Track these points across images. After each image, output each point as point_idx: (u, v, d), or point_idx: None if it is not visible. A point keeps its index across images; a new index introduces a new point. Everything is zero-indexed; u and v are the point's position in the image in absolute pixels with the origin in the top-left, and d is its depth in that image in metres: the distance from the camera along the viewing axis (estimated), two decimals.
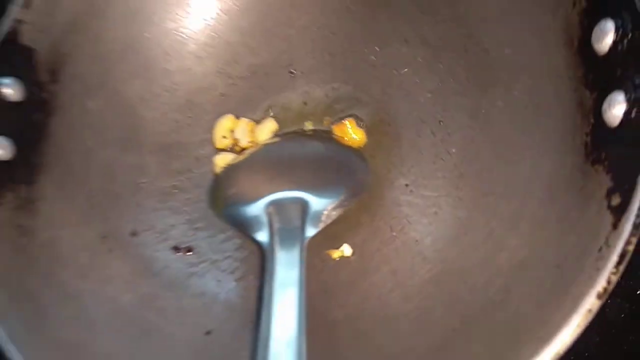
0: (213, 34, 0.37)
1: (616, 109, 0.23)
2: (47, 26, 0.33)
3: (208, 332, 0.30)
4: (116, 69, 0.35)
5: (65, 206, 0.32)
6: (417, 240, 0.31)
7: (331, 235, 0.32)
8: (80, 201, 0.33)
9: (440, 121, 0.33)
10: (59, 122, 0.33)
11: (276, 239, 0.28)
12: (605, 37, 0.24)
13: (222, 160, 0.35)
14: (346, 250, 0.32)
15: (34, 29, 0.32)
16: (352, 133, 0.34)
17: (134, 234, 0.33)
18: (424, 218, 0.31)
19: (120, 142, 0.35)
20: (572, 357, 0.35)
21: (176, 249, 0.33)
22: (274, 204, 0.30)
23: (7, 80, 0.31)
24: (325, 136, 0.34)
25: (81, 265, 0.31)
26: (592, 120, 0.25)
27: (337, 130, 0.35)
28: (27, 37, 0.32)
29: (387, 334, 0.28)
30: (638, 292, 0.35)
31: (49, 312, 0.28)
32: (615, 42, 0.24)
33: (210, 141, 0.36)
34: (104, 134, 0.35)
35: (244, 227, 0.30)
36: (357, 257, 0.32)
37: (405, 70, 0.35)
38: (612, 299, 0.36)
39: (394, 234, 0.32)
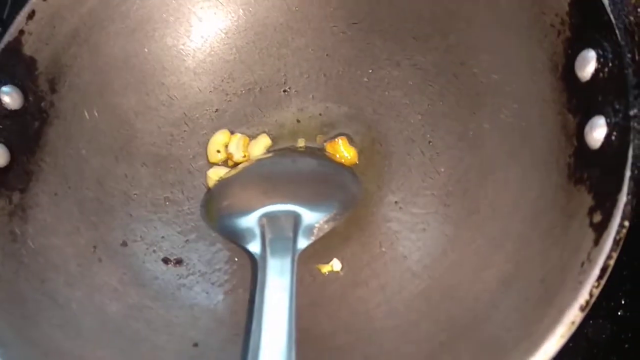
0: (211, 51, 0.38)
1: (597, 132, 0.24)
2: (48, 37, 0.33)
3: (195, 344, 0.30)
4: (114, 81, 0.36)
5: (57, 214, 0.32)
6: (405, 256, 0.32)
7: (321, 250, 0.33)
8: (73, 210, 0.33)
9: (429, 141, 0.34)
10: (55, 131, 0.34)
11: (268, 249, 0.28)
12: (588, 65, 0.25)
13: (215, 174, 0.35)
14: (335, 265, 0.33)
15: (36, 40, 0.33)
16: (344, 151, 0.35)
17: (124, 244, 0.33)
18: (412, 234, 0.32)
19: (115, 153, 0.35)
20: None
21: (166, 260, 0.33)
22: (267, 216, 0.30)
23: (6, 89, 0.31)
24: (318, 153, 0.35)
25: (71, 273, 0.31)
26: (575, 143, 0.26)
27: (329, 148, 0.36)
28: (29, 48, 0.33)
29: (374, 347, 0.28)
30: (619, 313, 0.36)
31: (38, 318, 0.28)
32: (597, 70, 0.25)
33: (203, 155, 0.36)
34: (99, 145, 0.35)
35: (237, 238, 0.31)
36: (346, 272, 0.32)
37: (397, 92, 0.36)
38: (594, 319, 0.36)
39: (383, 249, 0.32)
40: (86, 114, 0.35)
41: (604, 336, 0.36)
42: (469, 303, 0.27)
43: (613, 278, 0.36)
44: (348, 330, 0.30)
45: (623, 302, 0.36)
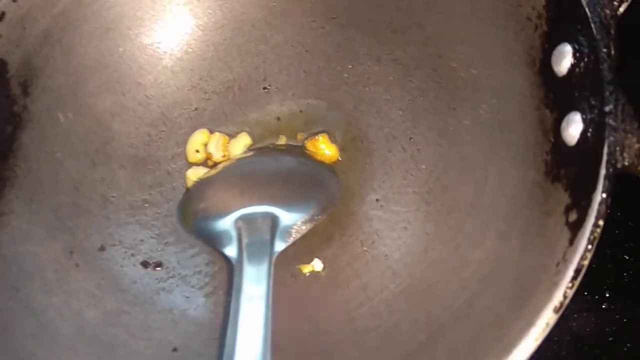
0: (188, 49, 0.37)
1: (573, 128, 0.24)
2: (19, 39, 0.33)
3: (174, 349, 0.29)
4: (88, 82, 0.35)
5: (32, 220, 0.31)
6: (386, 255, 0.31)
7: (302, 250, 0.33)
8: (48, 215, 0.32)
9: (410, 138, 0.34)
10: (28, 135, 0.33)
11: (245, 253, 0.28)
12: (564, 59, 0.25)
13: (194, 174, 0.35)
14: (317, 265, 0.32)
15: (6, 42, 0.32)
16: (325, 148, 0.35)
17: (102, 248, 0.33)
18: (393, 233, 0.32)
19: (91, 155, 0.35)
20: None
21: (145, 264, 0.33)
22: (244, 218, 0.30)
23: None
24: (298, 151, 0.35)
25: (47, 280, 0.30)
26: (552, 139, 0.25)
27: (310, 145, 0.35)
28: None
29: (354, 349, 0.28)
30: (604, 306, 0.36)
31: (11, 328, 0.28)
32: (573, 65, 0.25)
33: (182, 155, 0.36)
34: (75, 148, 0.34)
35: (213, 242, 0.30)
36: (328, 272, 0.32)
37: (378, 87, 0.35)
38: (579, 313, 0.36)
39: (365, 248, 0.32)
40: (60, 116, 0.34)
41: (588, 330, 0.36)
42: (447, 301, 0.27)
43: (597, 271, 0.37)
44: (328, 332, 0.29)
45: (607, 295, 0.36)
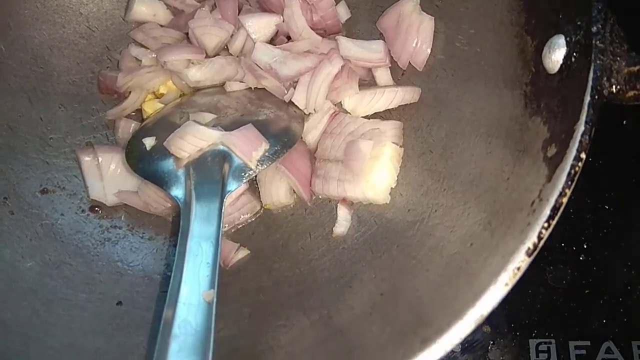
0: None
1: (556, 53, 0.21)
2: None
3: (119, 303, 0.27)
4: (23, 11, 0.31)
5: None
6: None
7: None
8: None
9: None
10: None
11: (193, 193, 0.25)
12: None
13: (150, 107, 0.31)
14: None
15: None
16: None
17: (40, 194, 0.30)
18: None
19: (27, 93, 0.31)
20: (512, 325, 0.34)
21: (88, 212, 0.30)
22: (192, 156, 0.26)
23: None
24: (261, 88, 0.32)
25: None
26: (532, 69, 0.23)
27: None
28: None
29: (314, 300, 0.26)
30: (581, 258, 0.34)
31: None
32: None
33: None
34: (9, 84, 0.31)
35: (159, 182, 0.27)
36: (290, 220, 0.30)
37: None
38: (555, 265, 0.35)
39: None
40: None
41: (564, 282, 0.34)
42: (413, 250, 0.24)
43: (575, 222, 0.35)
44: (289, 284, 0.27)
45: (585, 246, 0.35)
